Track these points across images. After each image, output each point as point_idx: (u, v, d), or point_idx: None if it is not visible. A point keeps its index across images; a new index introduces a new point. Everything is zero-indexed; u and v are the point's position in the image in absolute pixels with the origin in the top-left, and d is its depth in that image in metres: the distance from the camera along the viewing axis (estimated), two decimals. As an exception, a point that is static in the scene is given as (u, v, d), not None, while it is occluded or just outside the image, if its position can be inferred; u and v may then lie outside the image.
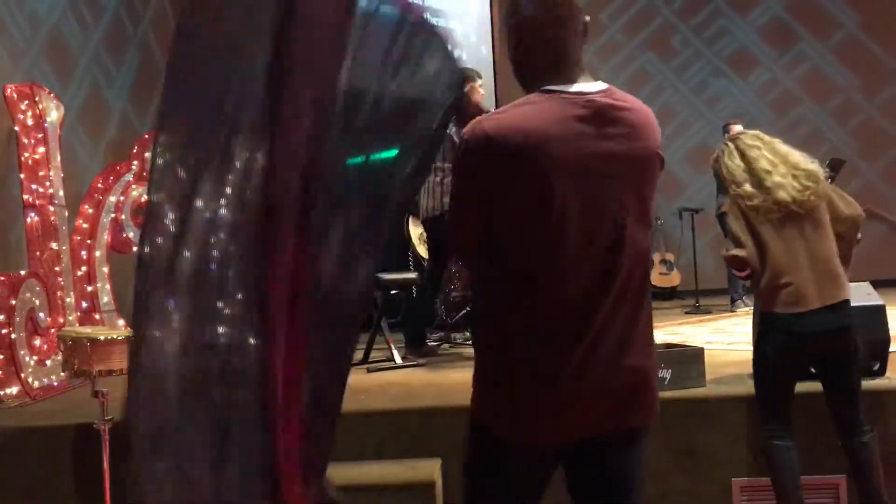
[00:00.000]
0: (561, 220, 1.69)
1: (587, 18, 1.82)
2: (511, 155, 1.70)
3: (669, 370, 3.67)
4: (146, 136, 6.17)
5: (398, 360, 5.02)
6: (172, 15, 7.52)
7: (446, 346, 5.90)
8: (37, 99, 4.97)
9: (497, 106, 5.88)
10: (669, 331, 6.24)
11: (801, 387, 3.27)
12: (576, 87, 1.77)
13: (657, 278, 9.38)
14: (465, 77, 4.30)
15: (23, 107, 4.93)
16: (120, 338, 3.29)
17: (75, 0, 6.11)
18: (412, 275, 5.58)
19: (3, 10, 5.33)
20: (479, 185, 1.74)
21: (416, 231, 6.45)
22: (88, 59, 6.24)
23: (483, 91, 5.45)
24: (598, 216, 1.72)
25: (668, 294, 9.31)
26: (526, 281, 1.74)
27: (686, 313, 7.60)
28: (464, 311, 6.40)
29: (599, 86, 1.80)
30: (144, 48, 7.05)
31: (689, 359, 3.79)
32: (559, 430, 1.75)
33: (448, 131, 3.42)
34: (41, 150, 4.94)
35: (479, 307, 1.95)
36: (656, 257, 9.32)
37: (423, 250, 6.41)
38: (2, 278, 4.53)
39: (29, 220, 4.86)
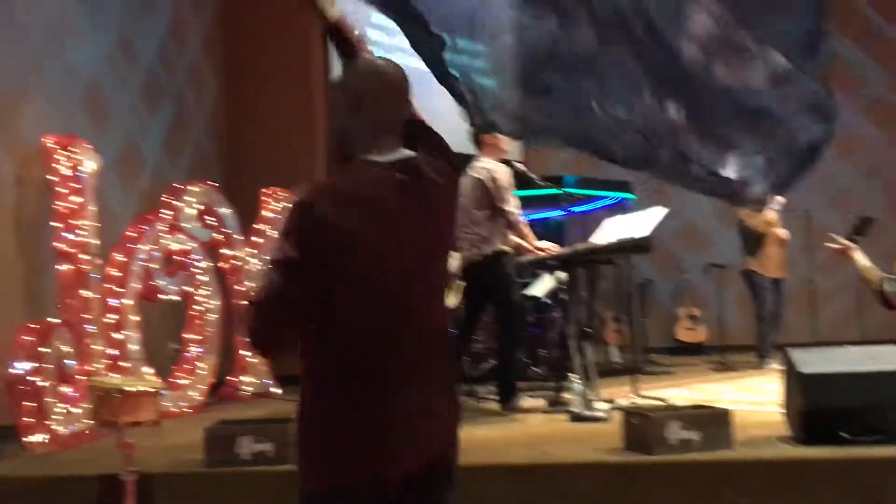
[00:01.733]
0: (362, 275, 1.80)
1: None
2: (323, 221, 1.79)
3: (698, 432, 3.63)
4: (177, 186, 6.27)
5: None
6: (206, 66, 7.69)
7: (472, 400, 5.84)
8: (74, 149, 5.08)
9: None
10: (696, 388, 6.17)
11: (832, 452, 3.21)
12: (392, 157, 1.88)
13: (683, 333, 9.29)
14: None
15: (60, 157, 5.03)
16: (150, 390, 3.31)
17: (112, 51, 6.27)
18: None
19: (43, 60, 5.50)
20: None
21: None
22: (124, 110, 6.38)
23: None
24: (395, 280, 1.82)
25: (695, 349, 9.19)
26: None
27: (712, 370, 7.52)
28: (489, 364, 6.37)
29: (409, 154, 1.90)
30: (179, 99, 7.20)
31: (717, 420, 3.75)
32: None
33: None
34: (77, 199, 5.03)
35: None
36: (682, 312, 9.25)
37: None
38: (34, 326, 4.60)
39: (61, 268, 4.94)
